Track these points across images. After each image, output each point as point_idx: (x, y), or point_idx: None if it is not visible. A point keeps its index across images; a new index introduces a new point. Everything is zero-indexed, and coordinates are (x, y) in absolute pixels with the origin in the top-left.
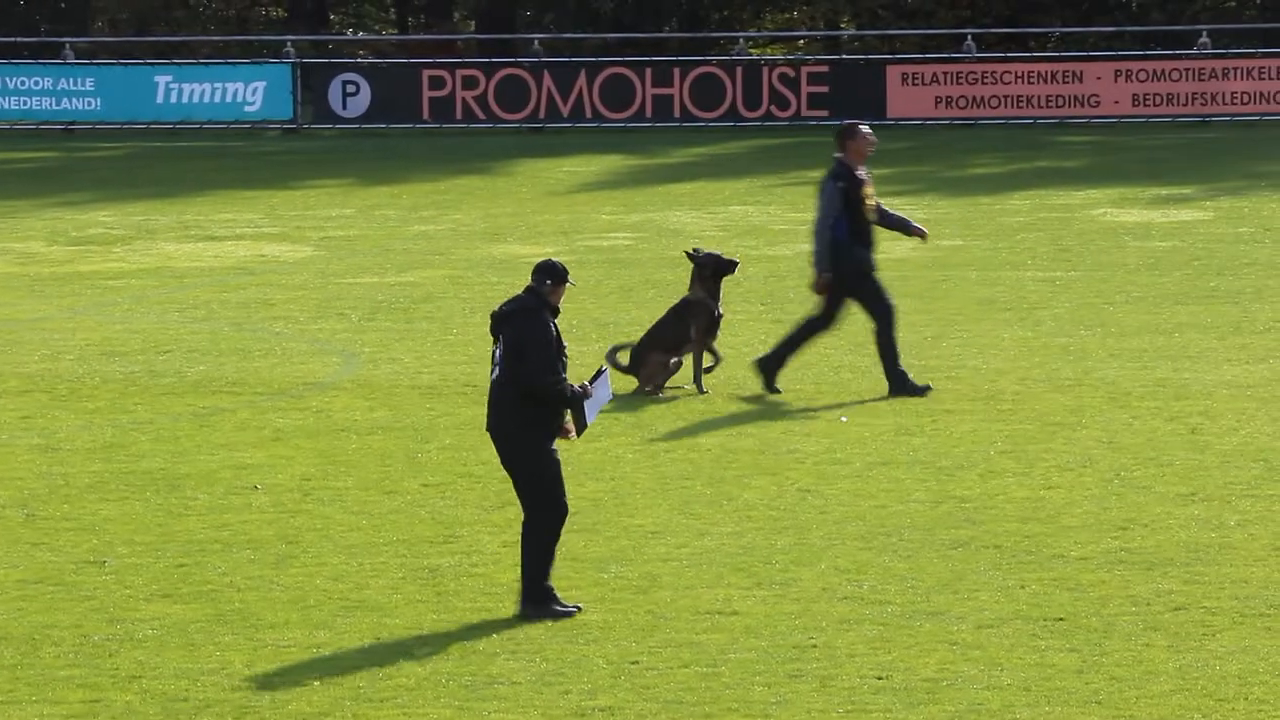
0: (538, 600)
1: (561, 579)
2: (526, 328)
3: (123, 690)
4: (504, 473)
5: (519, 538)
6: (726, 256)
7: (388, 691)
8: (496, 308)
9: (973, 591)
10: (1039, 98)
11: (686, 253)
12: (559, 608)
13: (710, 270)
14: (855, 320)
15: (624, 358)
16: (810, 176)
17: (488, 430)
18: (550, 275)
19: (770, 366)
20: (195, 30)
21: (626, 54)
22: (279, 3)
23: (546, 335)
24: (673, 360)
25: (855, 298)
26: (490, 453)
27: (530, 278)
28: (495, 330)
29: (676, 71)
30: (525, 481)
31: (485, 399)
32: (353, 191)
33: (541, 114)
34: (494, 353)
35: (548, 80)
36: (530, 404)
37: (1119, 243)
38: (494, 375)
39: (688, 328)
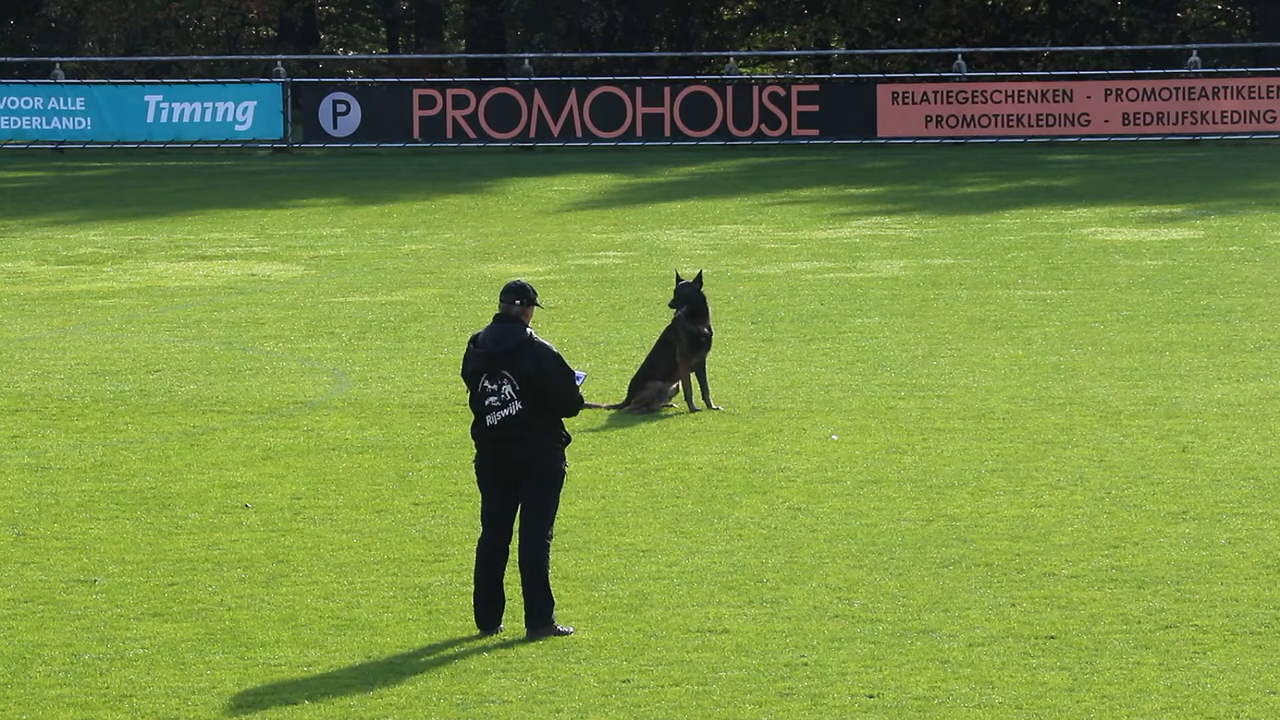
0: (545, 622)
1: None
2: (547, 360)
3: (113, 709)
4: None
5: (514, 562)
6: (686, 294)
7: (379, 710)
8: (485, 346)
9: (964, 610)
10: (1029, 117)
11: (676, 274)
12: (560, 629)
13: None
14: (845, 338)
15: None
16: (800, 195)
17: (514, 464)
18: (520, 296)
19: None
20: (185, 50)
21: (617, 73)
22: (269, 22)
23: (563, 360)
24: (671, 388)
25: None
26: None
27: (500, 299)
28: (495, 368)
29: (667, 91)
30: (548, 505)
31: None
32: (343, 211)
33: (532, 133)
34: (500, 389)
35: (538, 99)
36: (559, 427)
37: (1109, 261)
38: (507, 412)
39: (674, 351)
